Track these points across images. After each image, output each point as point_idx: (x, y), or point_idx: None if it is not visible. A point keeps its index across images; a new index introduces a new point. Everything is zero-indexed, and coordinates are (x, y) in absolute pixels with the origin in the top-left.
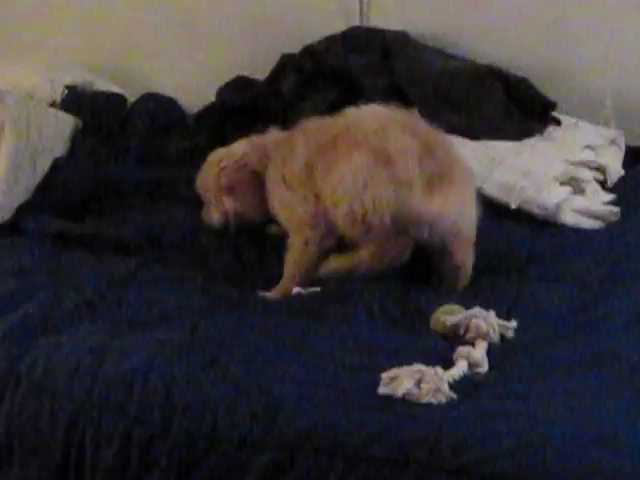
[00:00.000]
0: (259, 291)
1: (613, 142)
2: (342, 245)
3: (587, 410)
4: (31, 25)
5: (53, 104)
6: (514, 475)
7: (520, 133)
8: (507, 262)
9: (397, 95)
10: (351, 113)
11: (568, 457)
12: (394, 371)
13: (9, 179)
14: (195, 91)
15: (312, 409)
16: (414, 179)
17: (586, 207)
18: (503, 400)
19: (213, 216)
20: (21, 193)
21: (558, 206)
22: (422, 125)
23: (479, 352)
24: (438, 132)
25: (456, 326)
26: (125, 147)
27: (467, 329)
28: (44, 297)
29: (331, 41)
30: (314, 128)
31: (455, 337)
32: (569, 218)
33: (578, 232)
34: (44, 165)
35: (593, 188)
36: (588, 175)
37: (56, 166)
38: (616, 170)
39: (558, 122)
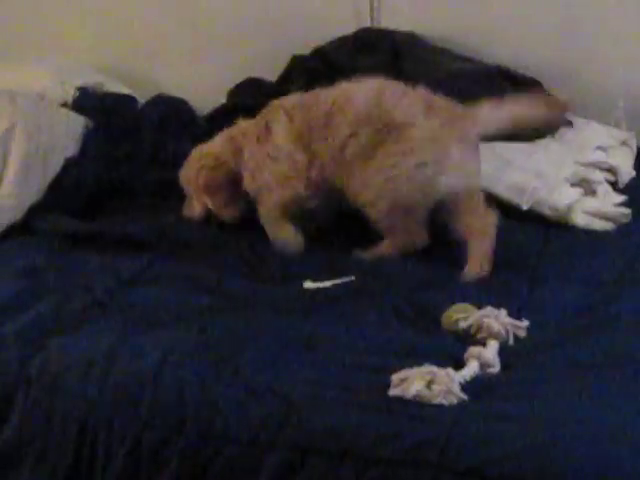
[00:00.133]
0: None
1: (624, 143)
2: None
3: (598, 411)
4: (42, 27)
5: (64, 105)
6: (525, 476)
7: (531, 134)
8: (518, 262)
9: None
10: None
11: (579, 458)
12: (405, 372)
13: (20, 179)
14: (206, 92)
15: (323, 410)
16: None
17: (597, 208)
18: (514, 401)
19: (195, 209)
20: (32, 193)
21: (569, 207)
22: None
23: (490, 352)
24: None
25: (468, 326)
26: (136, 148)
27: (479, 328)
28: (55, 297)
29: (341, 42)
30: (295, 105)
31: (466, 336)
32: (580, 219)
33: (589, 233)
34: (55, 165)
35: (604, 189)
36: (599, 176)
37: (67, 166)
38: (627, 171)
39: (569, 123)
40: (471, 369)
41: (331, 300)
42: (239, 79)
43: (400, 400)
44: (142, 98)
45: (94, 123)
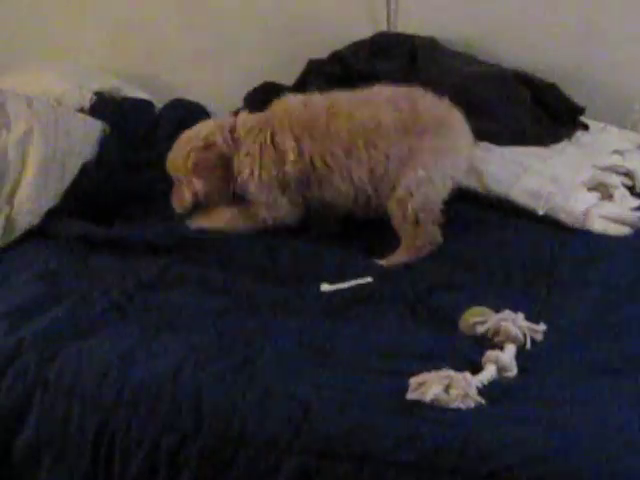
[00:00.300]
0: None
1: None
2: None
3: (616, 415)
4: (59, 32)
5: (81, 110)
6: None
7: (548, 138)
8: (535, 265)
9: None
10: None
11: (597, 463)
12: (422, 376)
13: (38, 183)
14: (223, 97)
15: (340, 414)
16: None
17: (614, 213)
18: (532, 405)
19: (184, 196)
20: (50, 197)
21: (585, 212)
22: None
23: (508, 356)
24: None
25: (485, 329)
26: (153, 152)
27: (496, 332)
28: (72, 301)
29: (358, 47)
30: (301, 118)
31: (484, 340)
32: (597, 225)
33: (606, 237)
34: (73, 169)
35: (621, 193)
36: (616, 180)
37: (84, 170)
38: None
39: (586, 127)
40: (488, 373)
41: (348, 303)
42: (256, 83)
43: (418, 404)
44: (159, 103)
45: (111, 128)
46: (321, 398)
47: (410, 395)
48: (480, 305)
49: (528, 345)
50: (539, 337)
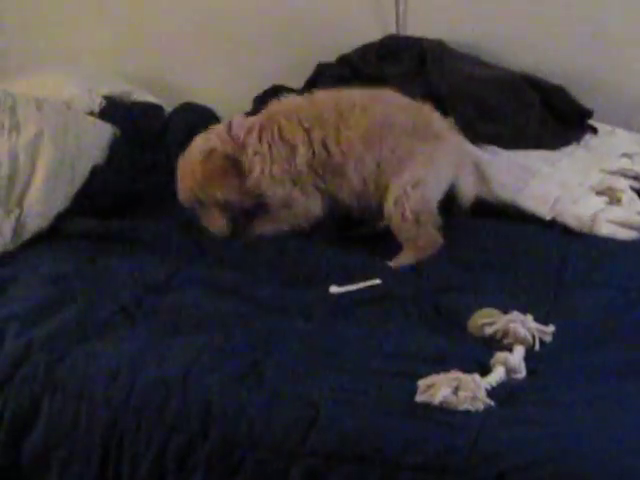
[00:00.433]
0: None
1: None
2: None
3: (625, 417)
4: (69, 36)
5: (91, 114)
6: None
7: (556, 141)
8: (544, 267)
9: (433, 104)
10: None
11: (606, 465)
12: (431, 378)
13: (48, 186)
14: (231, 100)
15: (349, 416)
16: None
17: (622, 217)
18: (541, 407)
19: (215, 217)
20: (60, 201)
21: (593, 217)
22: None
23: (517, 358)
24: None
25: (494, 331)
26: (162, 156)
27: (505, 334)
28: (81, 304)
29: (367, 50)
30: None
31: (493, 342)
32: (605, 229)
33: (614, 240)
34: (83, 173)
35: (629, 197)
36: (624, 184)
37: (94, 174)
38: None
39: (594, 130)
40: (497, 375)
41: (357, 305)
42: (265, 87)
43: (427, 406)
44: (169, 107)
45: (121, 131)
46: (330, 400)
47: (419, 397)
48: (489, 307)
49: (537, 347)
50: (548, 339)
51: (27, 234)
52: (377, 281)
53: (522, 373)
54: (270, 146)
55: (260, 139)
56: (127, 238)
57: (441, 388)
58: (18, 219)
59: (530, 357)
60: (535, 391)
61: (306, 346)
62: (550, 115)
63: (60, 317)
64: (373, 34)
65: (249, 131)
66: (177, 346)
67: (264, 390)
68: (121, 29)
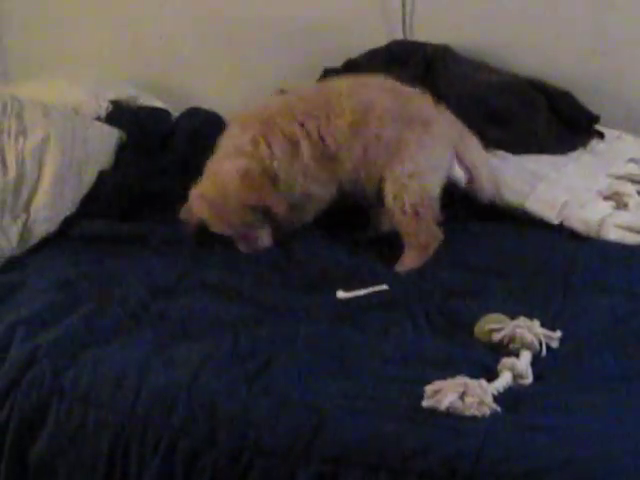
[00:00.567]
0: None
1: None
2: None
3: (632, 423)
4: (76, 41)
5: (98, 119)
6: None
7: (563, 147)
8: (551, 272)
9: None
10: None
11: (612, 471)
12: (438, 384)
13: (55, 191)
14: (238, 105)
15: (356, 422)
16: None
17: (629, 222)
18: (547, 412)
19: (262, 239)
20: (66, 205)
21: (601, 222)
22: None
23: (523, 363)
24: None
25: (501, 337)
26: (169, 160)
27: (512, 339)
28: (89, 309)
29: (373, 55)
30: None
31: (499, 347)
32: (612, 234)
33: (621, 245)
34: (89, 178)
35: (636, 202)
36: (631, 189)
37: (101, 179)
38: None
39: (601, 135)
40: (504, 380)
41: (363, 310)
42: (271, 92)
43: (433, 412)
44: (175, 111)
45: (128, 136)
46: (336, 406)
47: (426, 403)
48: (495, 312)
49: (544, 352)
50: (555, 344)
51: (34, 239)
52: (384, 286)
53: (529, 379)
54: (281, 148)
55: (270, 145)
56: (134, 243)
57: (448, 394)
58: (25, 224)
59: (537, 362)
60: (542, 397)
61: (313, 351)
62: (557, 120)
63: (67, 322)
64: (379, 39)
65: (254, 142)
66: (184, 352)
67: (271, 395)
68: (128, 34)
